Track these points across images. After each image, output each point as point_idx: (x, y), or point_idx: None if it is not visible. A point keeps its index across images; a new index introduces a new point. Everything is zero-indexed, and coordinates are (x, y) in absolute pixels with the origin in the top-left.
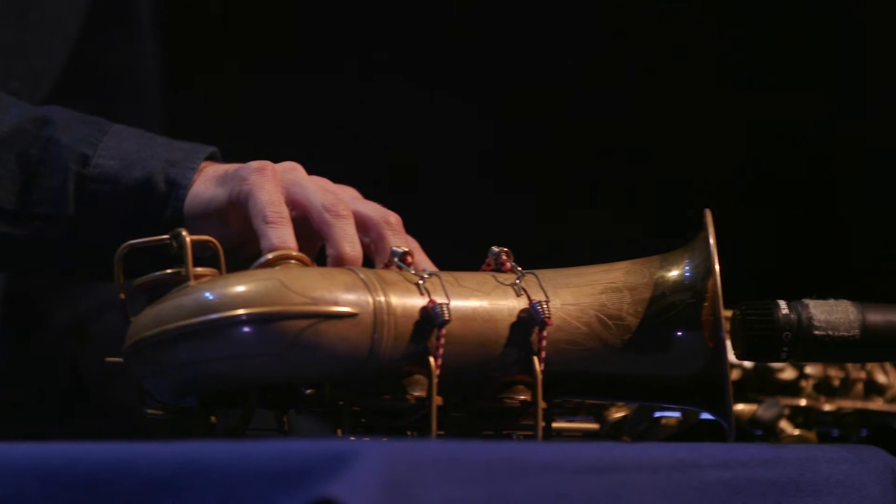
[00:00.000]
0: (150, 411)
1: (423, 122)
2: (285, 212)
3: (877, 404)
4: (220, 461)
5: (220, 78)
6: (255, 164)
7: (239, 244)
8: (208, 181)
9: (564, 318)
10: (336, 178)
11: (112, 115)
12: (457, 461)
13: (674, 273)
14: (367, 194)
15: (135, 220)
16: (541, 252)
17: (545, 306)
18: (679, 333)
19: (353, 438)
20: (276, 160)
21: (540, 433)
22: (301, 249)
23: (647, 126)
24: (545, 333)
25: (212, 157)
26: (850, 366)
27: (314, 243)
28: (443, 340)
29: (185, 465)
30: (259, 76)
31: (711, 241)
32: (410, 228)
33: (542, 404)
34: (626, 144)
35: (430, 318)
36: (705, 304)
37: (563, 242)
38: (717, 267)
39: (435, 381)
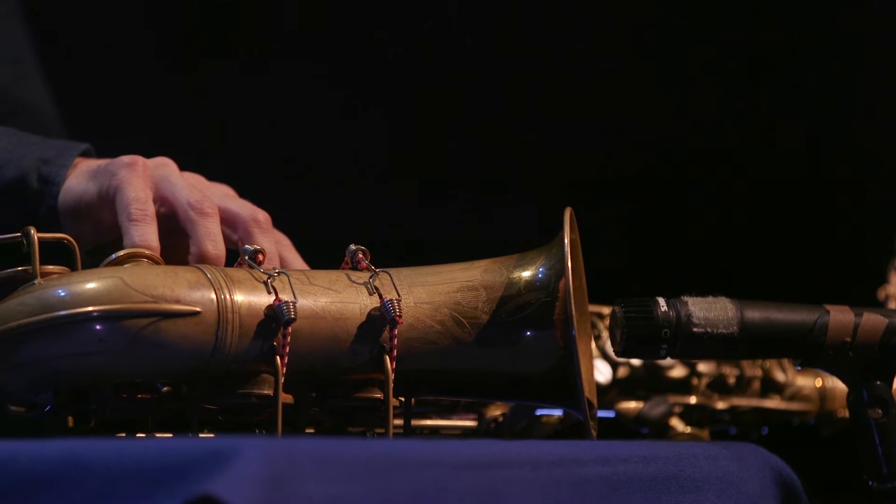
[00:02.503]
0: (12, 408)
1: (308, 118)
2: (151, 209)
3: (774, 402)
4: (99, 458)
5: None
6: (125, 158)
7: (112, 238)
8: (81, 176)
9: (418, 316)
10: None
11: None
12: (337, 457)
13: (529, 272)
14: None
15: (9, 219)
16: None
17: (396, 305)
18: (533, 332)
19: (201, 435)
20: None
21: (391, 430)
22: (173, 246)
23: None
24: (396, 332)
25: (85, 154)
26: (745, 363)
27: (183, 239)
28: (289, 339)
29: (65, 462)
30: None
31: (566, 240)
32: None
33: (393, 402)
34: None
35: (276, 317)
36: (558, 303)
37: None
38: (569, 266)
39: (281, 379)
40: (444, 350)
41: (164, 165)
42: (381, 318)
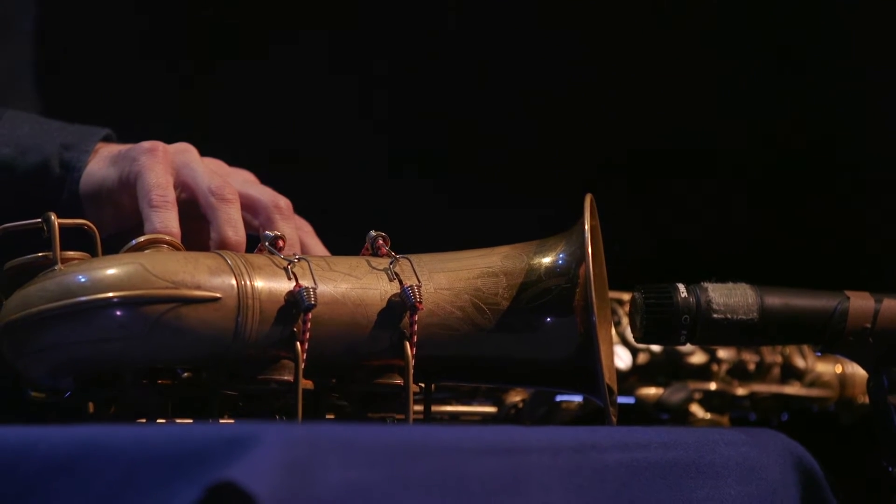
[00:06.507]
0: (33, 394)
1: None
2: (171, 195)
3: (794, 388)
4: (118, 444)
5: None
6: (146, 144)
7: (136, 223)
8: (102, 162)
9: (438, 302)
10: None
11: None
12: (356, 444)
13: (549, 258)
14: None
15: (32, 205)
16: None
17: (416, 290)
18: (553, 318)
19: (222, 421)
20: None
21: (410, 416)
22: (193, 231)
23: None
24: (416, 318)
25: (107, 139)
26: (765, 350)
27: (204, 224)
28: (309, 325)
29: (83, 448)
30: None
31: (587, 226)
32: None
33: (413, 388)
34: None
35: (296, 303)
36: (578, 289)
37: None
38: (589, 252)
39: (302, 365)
40: (465, 336)
41: (186, 151)
42: (401, 304)
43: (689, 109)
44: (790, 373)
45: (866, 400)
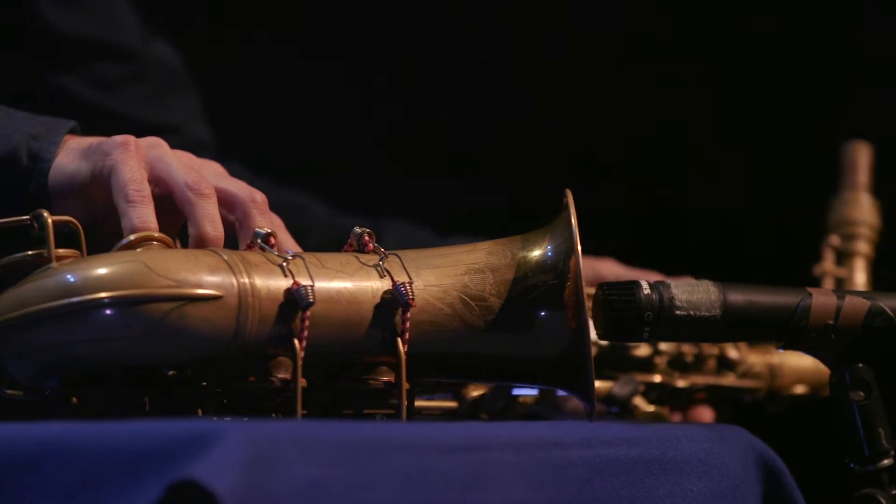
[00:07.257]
0: (8, 392)
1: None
2: (147, 190)
3: (728, 380)
4: (80, 442)
5: None
6: (118, 138)
7: (103, 218)
8: (72, 155)
9: (427, 299)
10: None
11: None
12: (319, 441)
13: (536, 253)
14: None
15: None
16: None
17: (408, 287)
18: (542, 314)
19: (215, 419)
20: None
21: (404, 414)
22: (165, 226)
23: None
24: (409, 315)
25: (73, 131)
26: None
27: (178, 219)
28: (307, 322)
29: (46, 446)
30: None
31: (573, 221)
32: None
33: (405, 385)
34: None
35: (295, 301)
36: (568, 284)
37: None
38: (578, 248)
39: (300, 363)
40: (454, 333)
41: (157, 145)
42: (393, 301)
43: (653, 105)
44: (725, 364)
45: (795, 390)
